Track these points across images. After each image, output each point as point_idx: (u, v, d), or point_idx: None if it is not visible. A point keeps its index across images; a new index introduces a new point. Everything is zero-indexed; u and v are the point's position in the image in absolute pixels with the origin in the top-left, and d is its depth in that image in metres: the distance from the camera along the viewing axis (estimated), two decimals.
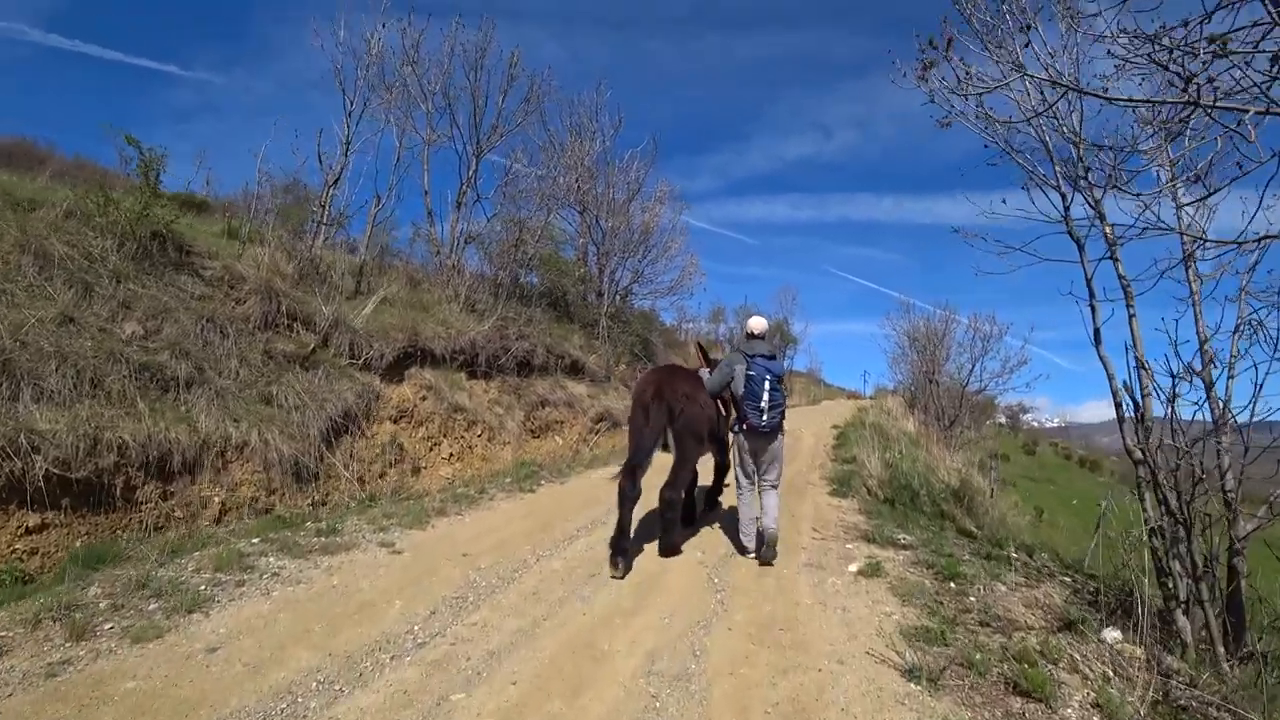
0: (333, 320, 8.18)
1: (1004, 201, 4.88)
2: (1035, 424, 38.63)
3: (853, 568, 4.78)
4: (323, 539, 4.85)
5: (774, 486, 4.97)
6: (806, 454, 11.20)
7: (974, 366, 16.71)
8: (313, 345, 7.88)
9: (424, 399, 8.98)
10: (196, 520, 5.80)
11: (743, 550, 5.08)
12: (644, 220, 15.78)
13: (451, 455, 8.98)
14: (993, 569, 5.01)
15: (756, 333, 5.09)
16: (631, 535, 4.67)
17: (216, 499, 6.01)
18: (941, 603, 4.16)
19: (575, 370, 12.81)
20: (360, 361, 8.28)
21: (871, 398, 32.18)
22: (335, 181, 9.02)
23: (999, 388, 16.62)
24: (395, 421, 8.45)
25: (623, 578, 4.30)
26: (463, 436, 9.31)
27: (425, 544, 4.93)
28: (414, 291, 10.86)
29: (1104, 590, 4.32)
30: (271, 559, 4.37)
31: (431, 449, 8.78)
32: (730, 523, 5.72)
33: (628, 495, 4.56)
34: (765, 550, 4.78)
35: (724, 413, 5.67)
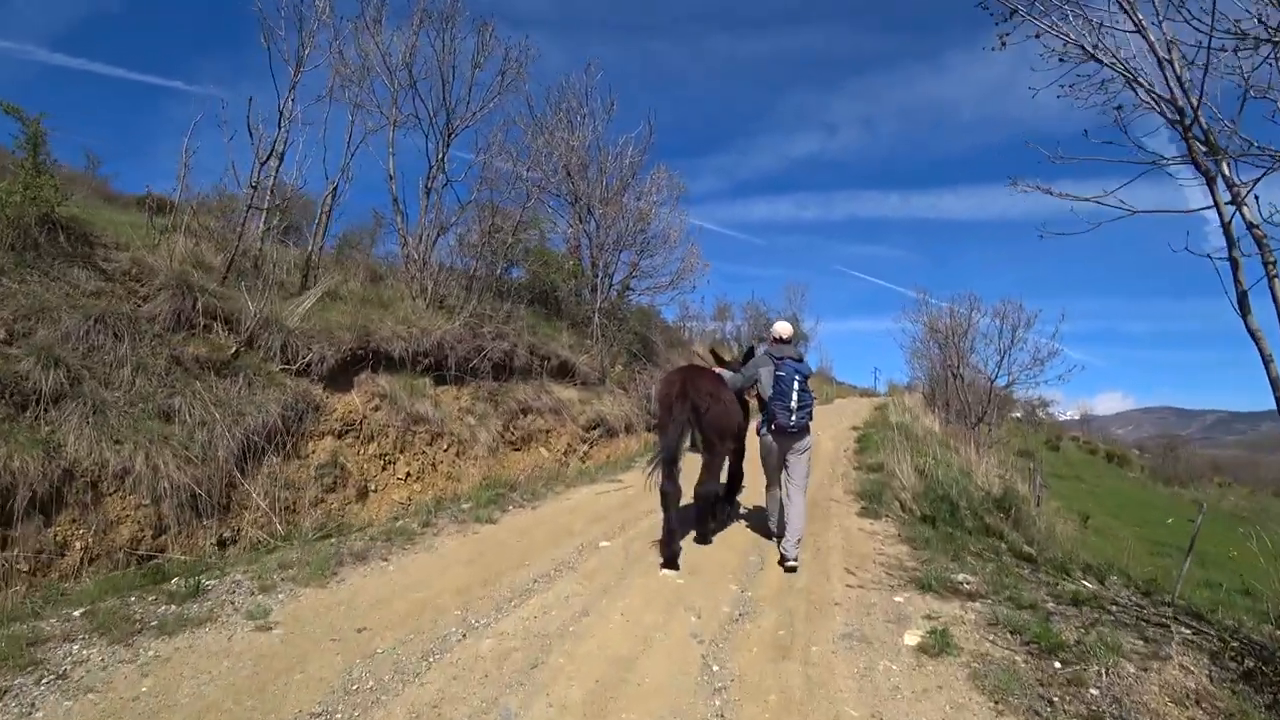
0: (262, 319, 6.88)
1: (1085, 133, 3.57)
2: (1053, 418, 36.99)
3: (910, 640, 3.40)
4: (174, 606, 3.53)
5: (801, 489, 5.01)
6: (826, 461, 9.81)
7: (1002, 359, 15.27)
8: (234, 348, 6.58)
9: (376, 409, 7.66)
10: (46, 573, 4.50)
11: (774, 535, 5.31)
12: (639, 208, 14.42)
13: (409, 474, 7.64)
14: (1104, 633, 3.60)
15: (783, 337, 5.23)
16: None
17: (78, 544, 4.70)
18: (1052, 702, 2.78)
19: (564, 372, 11.46)
20: (295, 366, 6.97)
21: (886, 394, 30.70)
22: (269, 158, 7.70)
23: (1030, 381, 15.17)
24: (339, 436, 7.13)
25: (678, 570, 4.52)
26: (424, 452, 7.98)
27: (312, 612, 3.58)
28: (374, 287, 9.55)
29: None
30: (77, 645, 3.04)
31: (384, 468, 7.45)
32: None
33: (672, 497, 4.76)
34: (789, 552, 4.79)
35: (748, 411, 5.82)
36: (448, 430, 8.47)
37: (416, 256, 10.00)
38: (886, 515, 6.60)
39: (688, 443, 5.02)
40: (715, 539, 5.37)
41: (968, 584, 4.33)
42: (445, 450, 8.32)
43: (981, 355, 16.03)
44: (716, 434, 5.03)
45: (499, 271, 11.18)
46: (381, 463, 7.42)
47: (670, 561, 4.54)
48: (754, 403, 5.78)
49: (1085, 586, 5.37)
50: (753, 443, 5.64)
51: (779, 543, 4.99)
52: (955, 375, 16.23)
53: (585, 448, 10.90)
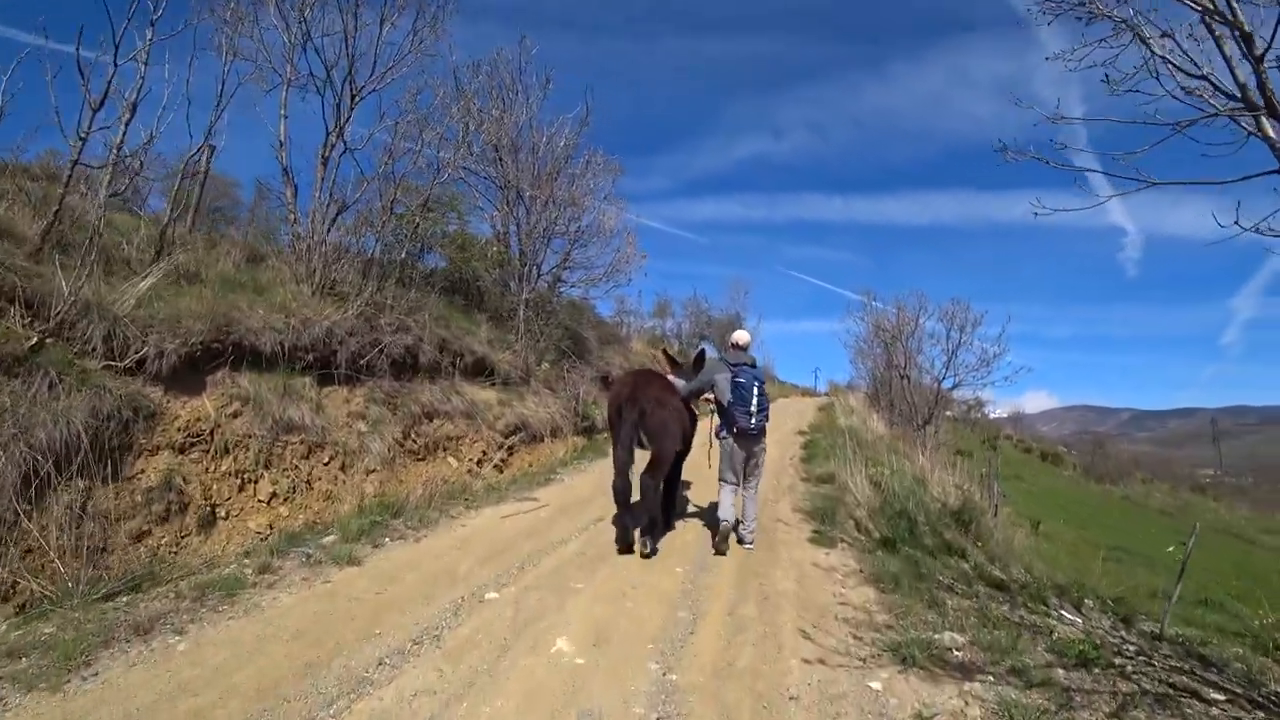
0: (81, 303, 5.47)
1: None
2: (987, 418, 37.58)
3: None
4: None
5: (757, 483, 5.48)
6: (771, 473, 8.89)
7: (950, 360, 14.77)
8: (34, 339, 5.15)
9: (235, 415, 6.30)
10: None
11: (718, 550, 5.22)
12: (571, 194, 13.23)
13: (275, 495, 6.31)
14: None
15: (741, 344, 5.45)
16: None
17: None
18: None
19: (480, 371, 10.22)
20: (123, 363, 5.57)
21: (827, 395, 30.40)
22: (102, 103, 6.21)
23: (977, 382, 14.73)
24: (181, 451, 5.76)
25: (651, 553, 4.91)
26: (296, 466, 6.65)
27: None
28: (250, 270, 8.12)
29: None
30: None
31: (241, 488, 6.10)
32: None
33: (622, 494, 5.05)
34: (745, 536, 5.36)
35: (695, 416, 6.02)
36: (331, 440, 7.16)
37: (306, 235, 8.59)
38: (843, 540, 5.69)
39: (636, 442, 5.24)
40: (639, 581, 4.31)
41: (957, 650, 3.39)
42: (326, 464, 7.01)
43: (928, 356, 15.53)
44: (663, 436, 5.24)
45: (404, 255, 9.83)
46: (238, 482, 6.07)
47: (625, 549, 5.01)
48: (705, 405, 6.01)
49: (1068, 621, 4.61)
50: (697, 446, 6.13)
51: (735, 529, 5.32)
52: (902, 376, 15.68)
53: (503, 455, 9.69)
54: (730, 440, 5.30)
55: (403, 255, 9.67)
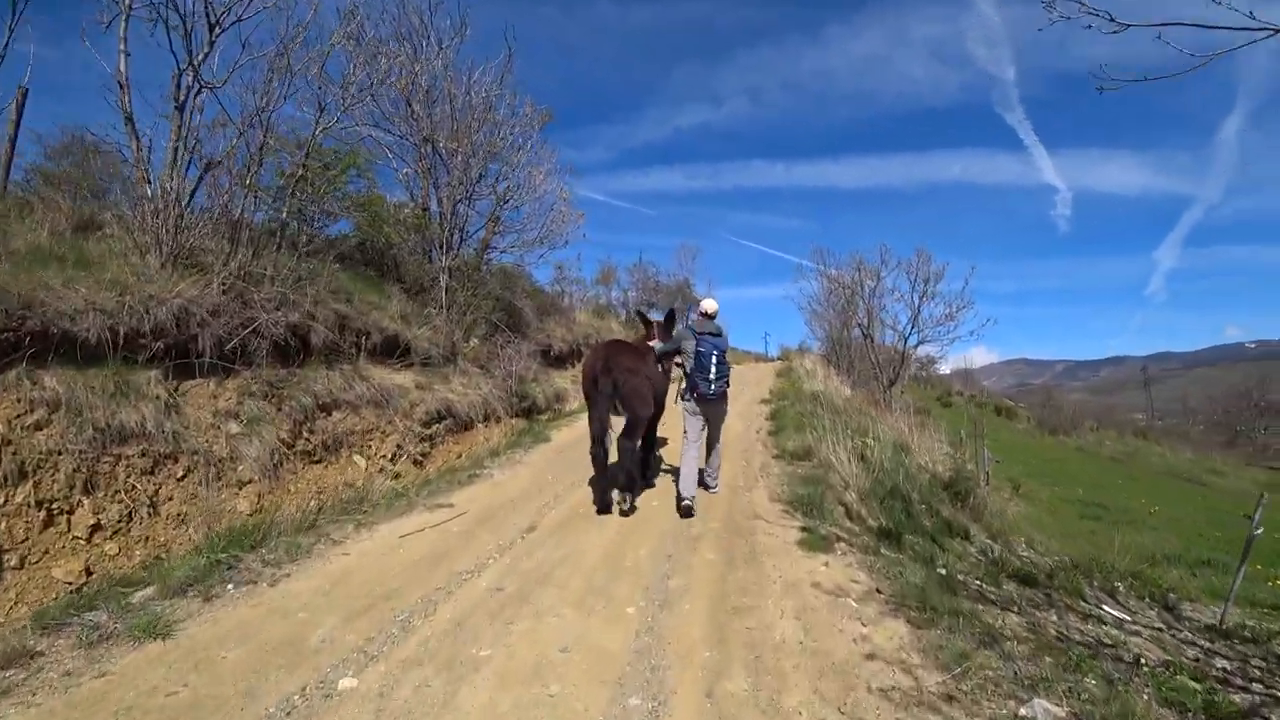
0: None
1: None
2: (939, 375, 37.56)
3: None
4: None
5: (717, 440, 5.91)
6: (737, 450, 7.73)
7: (915, 315, 13.88)
8: None
9: (38, 426, 4.77)
10: None
11: (679, 499, 5.39)
12: (493, 141, 11.64)
13: (99, 529, 4.83)
14: None
15: (709, 313, 5.72)
16: None
17: None
18: None
19: (393, 351, 8.74)
20: None
21: (780, 359, 29.61)
22: None
23: (944, 338, 13.88)
24: None
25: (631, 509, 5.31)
26: (134, 487, 5.16)
27: None
28: (79, 239, 6.47)
29: None
30: None
31: (48, 523, 4.61)
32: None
33: (600, 459, 5.48)
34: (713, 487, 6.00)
35: (667, 377, 6.35)
36: (188, 447, 5.66)
37: (155, 195, 6.91)
38: (839, 539, 4.56)
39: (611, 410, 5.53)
40: (574, 638, 3.05)
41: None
42: (181, 479, 5.52)
43: (891, 312, 14.62)
44: (636, 403, 5.49)
45: (290, 218, 8.22)
46: (42, 515, 4.57)
47: (604, 509, 5.35)
48: (677, 370, 6.25)
49: (1117, 619, 3.63)
50: (673, 407, 6.26)
51: (701, 481, 5.76)
52: (865, 335, 14.75)
53: (423, 448, 8.29)
54: (693, 403, 5.60)
55: (285, 217, 8.04)
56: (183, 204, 6.86)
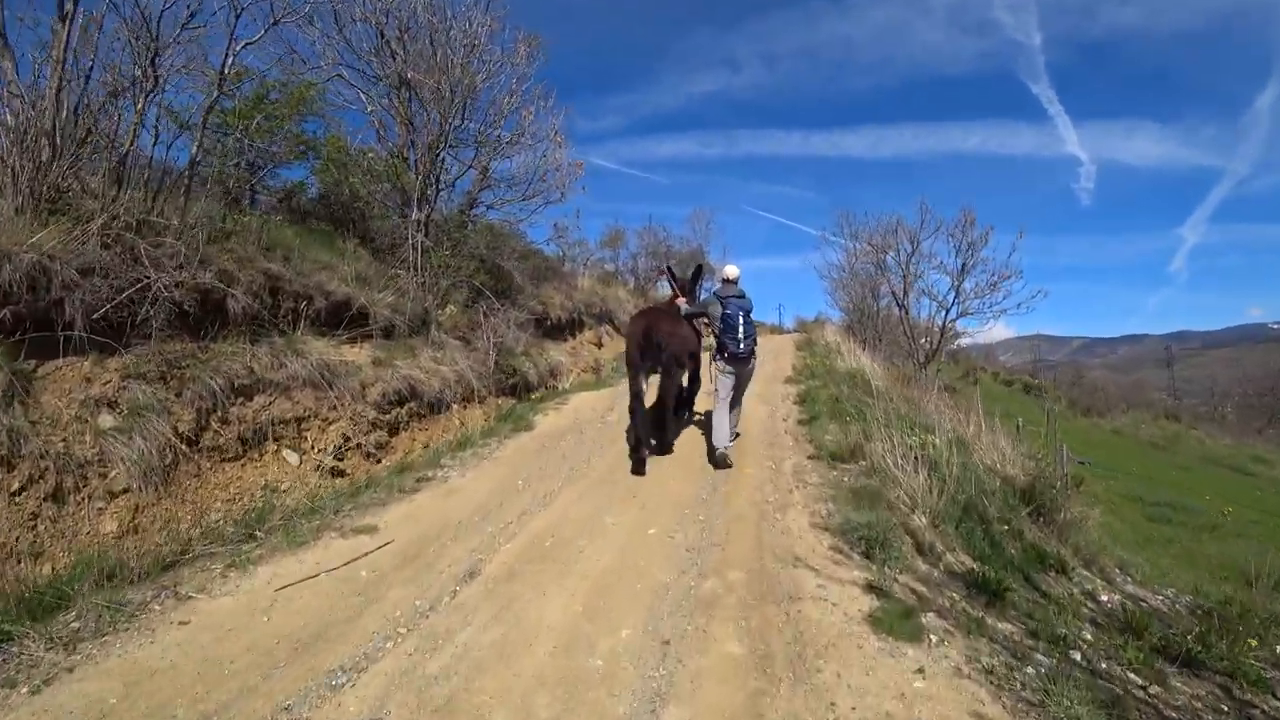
0: None
1: None
2: (964, 351, 35.77)
3: None
4: None
5: (740, 402, 6.07)
6: (762, 444, 6.26)
7: (957, 285, 12.23)
8: None
9: None
10: None
11: (711, 451, 5.84)
12: (472, 78, 9.97)
13: None
14: None
15: (730, 278, 6.03)
16: None
17: None
18: None
19: (345, 319, 7.26)
20: None
21: (795, 331, 27.95)
22: None
23: (987, 311, 12.24)
24: None
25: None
26: None
27: None
28: None
29: None
30: None
31: None
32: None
33: (640, 413, 5.75)
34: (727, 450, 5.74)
35: (699, 334, 6.85)
36: (34, 450, 4.24)
37: (20, 122, 5.40)
38: (924, 604, 3.09)
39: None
40: None
41: None
42: (18, 494, 4.10)
43: (929, 281, 12.97)
44: (677, 363, 6.08)
45: (197, 156, 6.69)
46: None
47: (639, 467, 5.56)
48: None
49: None
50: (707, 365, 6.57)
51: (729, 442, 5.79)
52: (900, 306, 13.14)
53: (380, 437, 6.87)
54: (723, 363, 5.86)
55: (198, 155, 6.49)
56: (56, 132, 5.35)
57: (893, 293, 13.44)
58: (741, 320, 5.67)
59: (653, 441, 5.88)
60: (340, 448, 6.39)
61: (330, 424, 6.45)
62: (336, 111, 10.15)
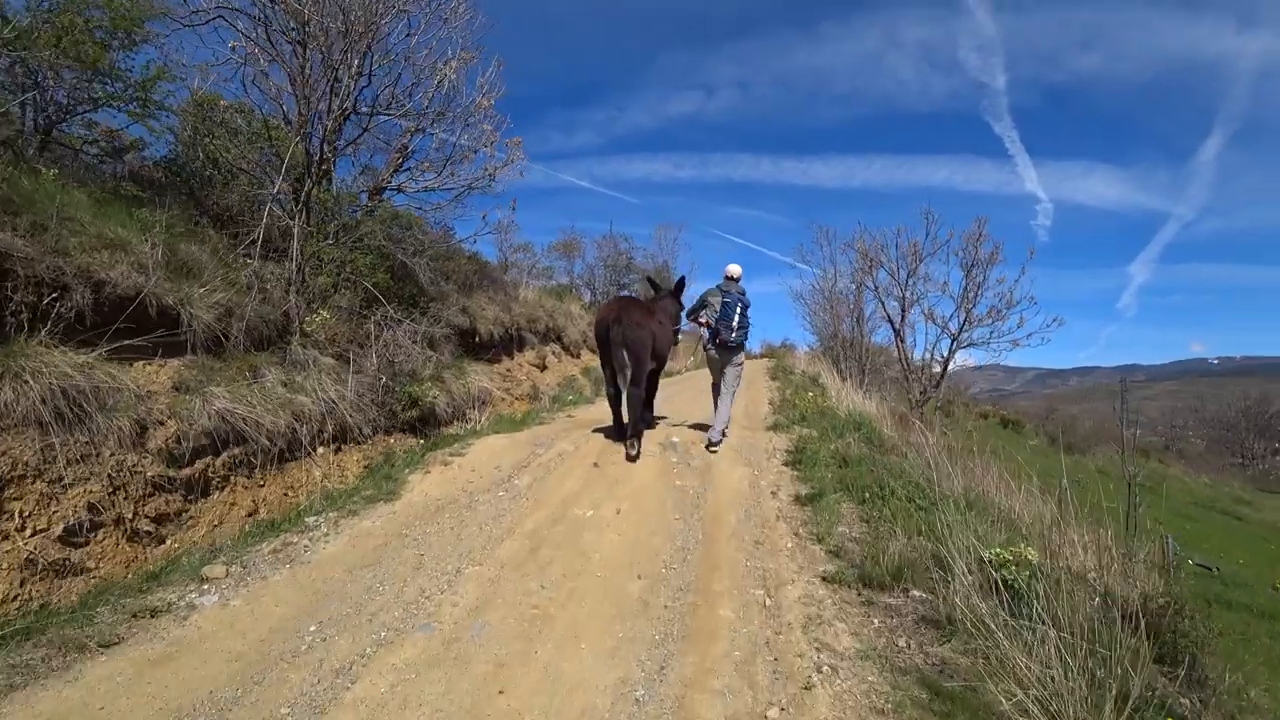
0: None
1: None
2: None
3: None
4: None
5: (731, 392, 6.38)
6: (741, 548, 3.99)
7: (968, 309, 10.35)
8: None
9: None
10: None
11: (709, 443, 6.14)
12: (368, 11, 7.74)
13: None
14: None
15: (733, 275, 6.41)
16: None
17: None
18: None
19: (140, 323, 4.89)
20: None
21: (765, 355, 26.12)
22: None
23: (1000, 339, 10.38)
24: None
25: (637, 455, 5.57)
26: None
27: None
28: None
29: None
30: None
31: None
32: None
33: (616, 399, 6.18)
34: (714, 437, 6.10)
35: (674, 339, 7.10)
36: None
37: None
38: None
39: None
40: None
41: None
42: None
43: (928, 305, 11.08)
44: (643, 351, 5.97)
45: None
46: None
47: (630, 443, 5.74)
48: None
49: None
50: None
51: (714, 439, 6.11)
52: (895, 332, 11.21)
53: (169, 503, 4.50)
54: (713, 350, 6.35)
55: None
56: None
57: (886, 317, 11.55)
58: (737, 310, 6.08)
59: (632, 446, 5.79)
60: (81, 526, 4.02)
61: (69, 487, 4.08)
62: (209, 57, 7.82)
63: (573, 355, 14.79)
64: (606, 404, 7.93)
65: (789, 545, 3.79)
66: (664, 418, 7.79)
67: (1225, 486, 27.10)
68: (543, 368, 12.56)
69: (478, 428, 7.27)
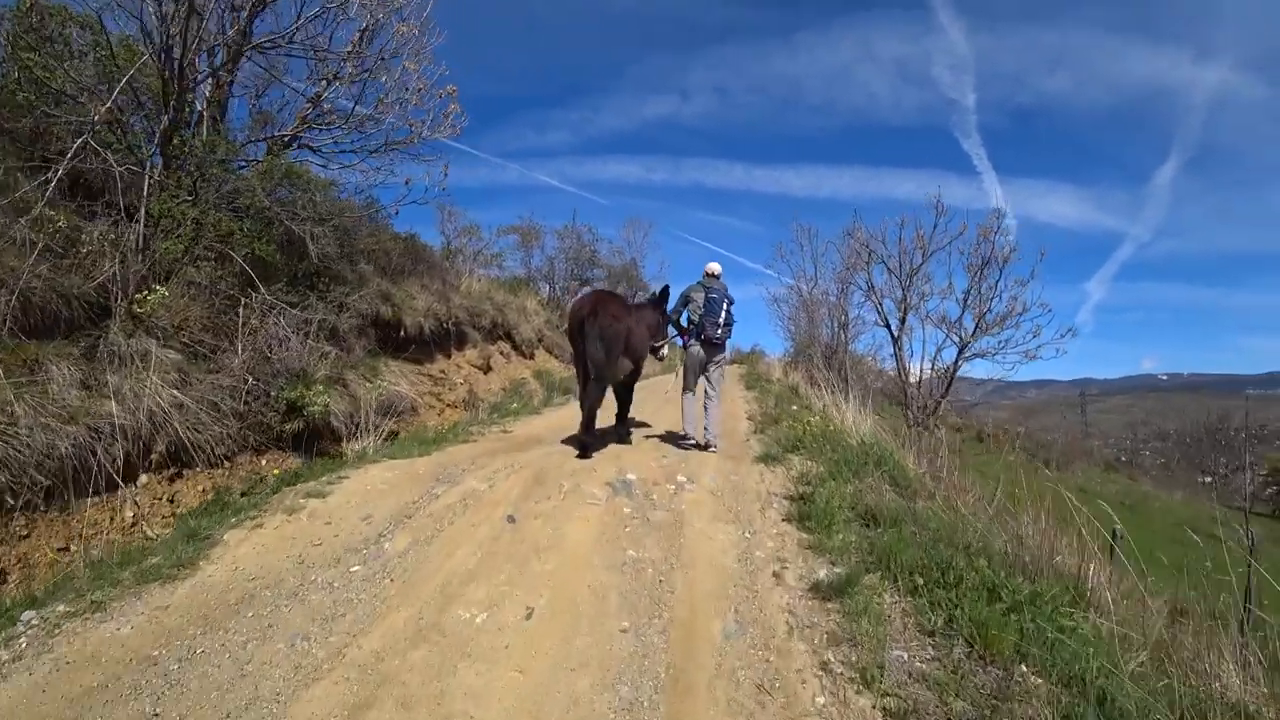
0: None
1: None
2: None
3: None
4: None
5: (718, 394, 6.09)
6: (737, 696, 2.45)
7: (981, 311, 8.96)
8: None
9: None
10: None
11: (683, 437, 6.13)
12: None
13: None
14: None
15: (714, 273, 6.13)
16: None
17: None
18: None
19: None
20: None
21: (734, 362, 24.70)
22: None
23: (1012, 348, 9.00)
24: None
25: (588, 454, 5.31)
26: None
27: None
28: None
29: None
30: None
31: None
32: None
33: (585, 401, 5.71)
34: (711, 444, 5.82)
35: (651, 339, 6.60)
36: None
37: None
38: None
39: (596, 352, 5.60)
40: None
41: None
42: None
43: (932, 307, 9.69)
44: (615, 345, 5.69)
45: None
46: None
47: (585, 445, 5.44)
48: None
49: None
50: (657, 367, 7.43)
51: (700, 435, 5.93)
52: (892, 338, 9.79)
53: None
54: (696, 346, 5.97)
55: None
56: None
57: (883, 321, 10.12)
58: (724, 307, 5.87)
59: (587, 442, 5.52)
60: None
61: None
62: None
63: (525, 356, 13.10)
64: (555, 416, 7.31)
65: (816, 696, 2.23)
66: (646, 425, 7.17)
67: (1198, 506, 26.49)
68: (487, 369, 10.85)
69: (366, 449, 5.55)
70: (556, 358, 14.81)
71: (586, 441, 5.43)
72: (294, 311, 6.15)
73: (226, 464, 5.26)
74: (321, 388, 6.10)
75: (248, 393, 5.43)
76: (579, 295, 7.09)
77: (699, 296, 5.88)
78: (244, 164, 6.64)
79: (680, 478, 4.51)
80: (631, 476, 4.42)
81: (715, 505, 4.04)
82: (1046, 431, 47.75)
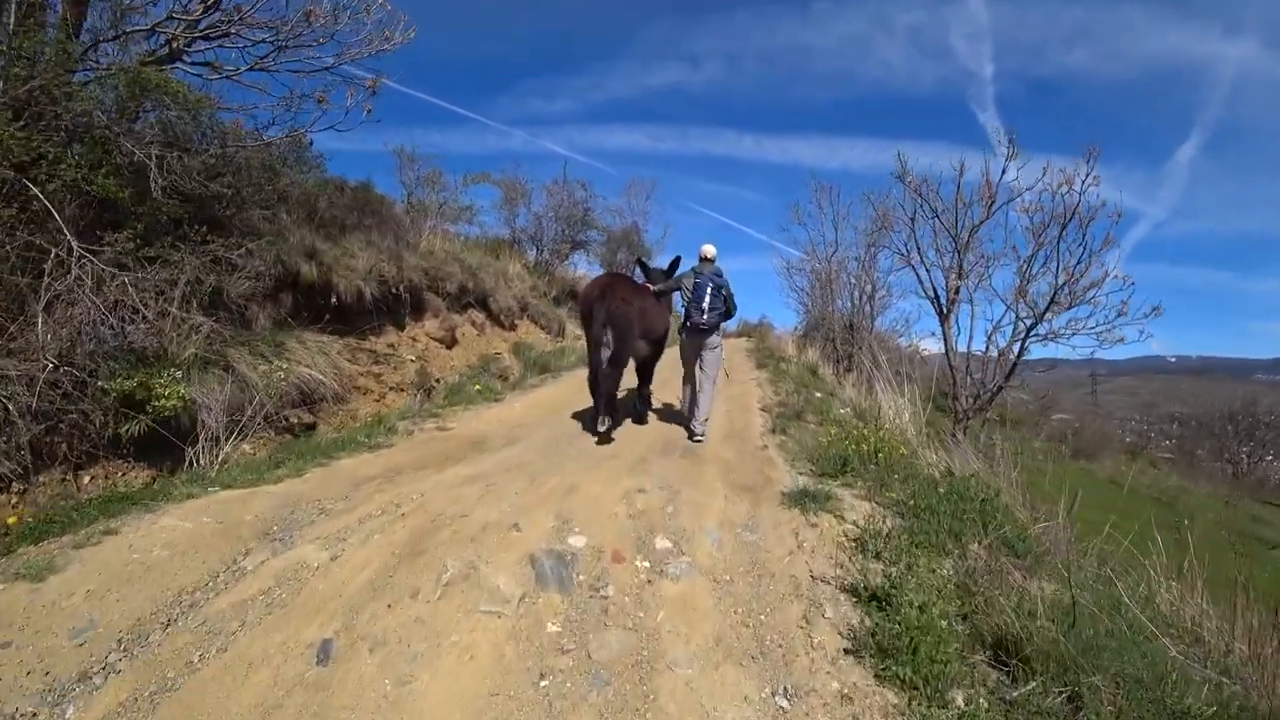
0: None
1: None
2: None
3: None
4: None
5: (711, 379, 5.89)
6: None
7: (1059, 283, 7.22)
8: None
9: None
10: None
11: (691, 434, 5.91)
12: None
13: None
14: None
15: (707, 256, 5.99)
16: None
17: None
18: None
19: None
20: None
21: (742, 335, 23.00)
22: None
23: (1100, 328, 7.26)
24: None
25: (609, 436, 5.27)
26: None
27: None
28: None
29: None
30: None
31: None
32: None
33: (597, 383, 5.58)
34: (696, 429, 5.77)
35: (667, 320, 6.70)
36: None
37: None
38: None
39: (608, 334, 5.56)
40: None
41: None
42: None
43: (985, 271, 7.95)
44: (626, 328, 5.61)
45: None
46: None
47: (602, 420, 5.39)
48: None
49: None
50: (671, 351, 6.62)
51: (689, 424, 5.87)
52: (940, 314, 8.09)
53: None
54: (685, 334, 5.96)
55: None
56: None
57: (930, 293, 8.36)
58: (708, 292, 5.71)
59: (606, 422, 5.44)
60: None
61: None
62: None
63: (504, 326, 11.42)
64: (519, 404, 7.08)
65: None
66: (662, 408, 6.95)
67: (1230, 501, 24.88)
68: (451, 343, 9.19)
69: (227, 460, 3.92)
70: (543, 329, 13.15)
71: (605, 431, 5.43)
72: (149, 271, 4.48)
73: (19, 485, 3.66)
74: (181, 373, 4.45)
75: (54, 385, 3.79)
76: (591, 280, 6.86)
77: (688, 283, 5.84)
78: (89, 71, 4.92)
79: (661, 541, 2.86)
80: (577, 543, 2.75)
81: (719, 612, 2.37)
82: (1062, 413, 46.08)
